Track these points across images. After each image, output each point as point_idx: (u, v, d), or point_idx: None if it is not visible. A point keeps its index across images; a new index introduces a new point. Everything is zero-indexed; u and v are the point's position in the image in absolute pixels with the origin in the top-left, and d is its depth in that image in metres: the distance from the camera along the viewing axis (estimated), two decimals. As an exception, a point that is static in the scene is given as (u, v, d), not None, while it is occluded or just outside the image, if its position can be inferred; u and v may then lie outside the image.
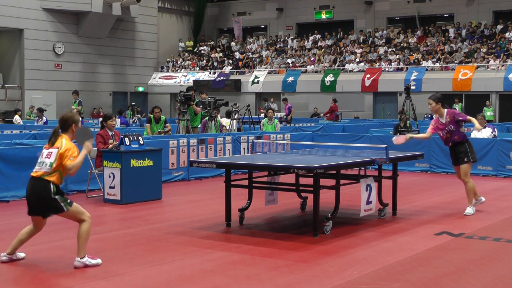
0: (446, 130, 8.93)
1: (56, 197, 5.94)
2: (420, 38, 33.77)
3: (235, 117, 17.64)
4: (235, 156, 12.46)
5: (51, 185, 5.93)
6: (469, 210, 8.98)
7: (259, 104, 32.56)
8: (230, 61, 37.62)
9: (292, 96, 33.35)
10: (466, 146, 9.00)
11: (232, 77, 35.73)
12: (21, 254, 6.28)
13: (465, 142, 9.01)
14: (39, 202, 5.94)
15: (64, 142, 6.02)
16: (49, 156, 5.99)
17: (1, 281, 5.63)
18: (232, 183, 8.19)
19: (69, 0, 32.91)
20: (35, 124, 20.94)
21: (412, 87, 27.66)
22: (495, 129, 14.66)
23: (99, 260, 6.06)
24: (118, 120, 18.94)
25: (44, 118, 21.60)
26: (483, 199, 9.30)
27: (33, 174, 6.03)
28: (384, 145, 8.43)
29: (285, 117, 26.23)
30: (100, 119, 16.19)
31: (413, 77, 29.63)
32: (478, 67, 29.12)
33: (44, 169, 5.96)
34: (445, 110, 9.03)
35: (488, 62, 29.34)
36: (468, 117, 9.06)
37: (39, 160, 6.05)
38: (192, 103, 15.35)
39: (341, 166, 7.68)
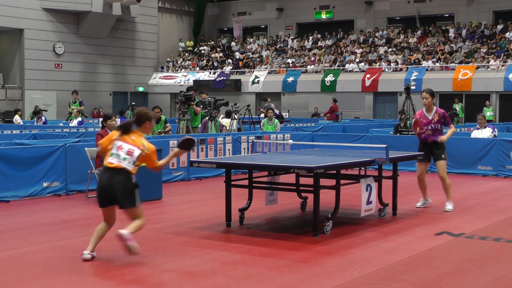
0: (431, 127, 9.16)
1: (136, 190, 6.23)
2: (420, 38, 33.77)
3: (235, 117, 17.64)
4: (235, 156, 12.46)
5: (133, 177, 6.22)
6: (449, 206, 9.20)
7: (259, 104, 32.57)
8: (230, 61, 37.63)
9: (292, 96, 33.37)
10: (444, 146, 9.28)
11: (232, 77, 35.74)
12: (94, 253, 6.36)
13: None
14: (122, 192, 6.10)
15: (145, 143, 6.25)
16: (131, 153, 6.18)
17: (1, 282, 5.63)
18: (232, 183, 8.19)
19: (69, 0, 32.93)
20: (35, 124, 20.94)
21: (412, 87, 27.61)
22: (495, 129, 14.67)
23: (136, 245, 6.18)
24: (118, 120, 18.93)
25: (43, 118, 21.63)
26: (430, 200, 9.71)
27: (110, 165, 6.15)
28: (384, 145, 8.43)
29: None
30: (100, 119, 16.21)
31: (413, 77, 29.64)
32: (478, 67, 29.13)
33: (124, 163, 6.15)
34: (435, 107, 9.31)
35: (488, 62, 29.34)
36: (452, 125, 9.39)
37: (115, 152, 6.19)
38: (192, 103, 15.35)
39: (341, 166, 7.68)
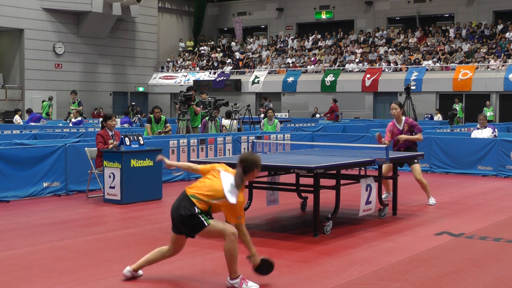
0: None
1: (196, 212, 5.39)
2: (420, 38, 33.77)
3: (235, 117, 17.64)
4: (236, 156, 12.44)
5: (195, 208, 5.43)
6: (432, 200, 9.78)
7: (259, 104, 32.56)
8: (230, 61, 37.63)
9: (292, 96, 33.37)
10: (416, 150, 9.84)
11: (232, 77, 35.74)
12: (140, 272, 5.73)
13: (416, 147, 9.88)
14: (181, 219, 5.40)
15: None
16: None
17: (1, 282, 5.63)
18: (232, 183, 8.17)
19: (69, 0, 32.93)
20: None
21: (412, 87, 27.69)
22: (495, 129, 14.67)
23: (255, 285, 5.38)
24: (118, 120, 18.94)
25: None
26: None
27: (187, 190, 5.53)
28: (384, 145, 8.43)
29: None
30: (100, 119, 16.21)
31: (413, 77, 29.65)
32: (478, 67, 29.13)
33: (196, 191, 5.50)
34: (404, 118, 9.79)
35: (488, 62, 29.34)
36: (420, 134, 9.78)
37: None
38: (193, 103, 15.35)
39: (341, 166, 7.67)
